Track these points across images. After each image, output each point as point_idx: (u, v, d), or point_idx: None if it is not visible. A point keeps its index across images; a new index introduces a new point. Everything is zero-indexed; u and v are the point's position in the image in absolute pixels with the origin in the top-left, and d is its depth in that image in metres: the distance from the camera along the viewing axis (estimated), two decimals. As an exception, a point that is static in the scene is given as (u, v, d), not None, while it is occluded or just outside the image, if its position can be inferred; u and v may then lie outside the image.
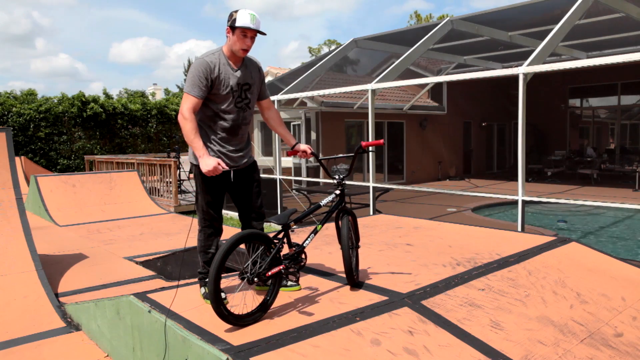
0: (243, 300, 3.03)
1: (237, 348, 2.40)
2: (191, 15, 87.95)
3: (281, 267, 2.82)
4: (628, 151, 16.03)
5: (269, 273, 2.75)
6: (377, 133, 14.52)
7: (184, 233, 7.70)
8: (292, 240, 3.05)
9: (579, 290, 3.55)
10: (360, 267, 3.78)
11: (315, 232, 3.12)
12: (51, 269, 5.49)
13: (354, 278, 3.24)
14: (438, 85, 16.17)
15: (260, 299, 2.92)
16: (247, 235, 2.75)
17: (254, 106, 3.31)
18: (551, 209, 10.58)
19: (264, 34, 3.10)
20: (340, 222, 3.23)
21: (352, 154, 3.34)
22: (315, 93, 9.63)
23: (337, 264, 3.90)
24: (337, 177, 3.27)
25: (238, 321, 2.67)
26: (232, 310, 2.66)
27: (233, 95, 3.10)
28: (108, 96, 19.54)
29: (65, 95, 18.07)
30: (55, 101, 17.90)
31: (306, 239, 3.08)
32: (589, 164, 14.58)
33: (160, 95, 31.76)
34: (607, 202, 5.83)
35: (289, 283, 3.27)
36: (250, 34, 3.02)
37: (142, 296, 3.21)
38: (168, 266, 6.04)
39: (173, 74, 78.78)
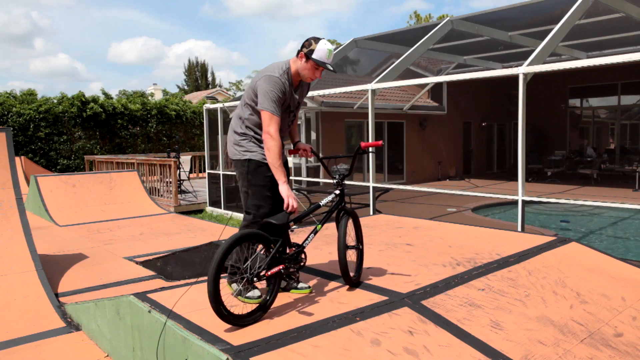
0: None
1: (237, 348, 2.40)
2: (190, 15, 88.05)
3: (280, 267, 2.82)
4: (628, 151, 16.03)
5: (268, 273, 2.75)
6: (377, 133, 14.53)
7: (184, 233, 7.70)
8: (292, 241, 3.05)
9: (579, 290, 3.55)
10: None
11: (315, 232, 3.12)
12: (51, 269, 5.49)
13: (350, 279, 3.24)
14: (438, 85, 16.17)
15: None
16: (246, 235, 2.75)
17: None
18: (551, 209, 10.58)
19: (334, 71, 3.16)
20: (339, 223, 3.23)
21: (352, 154, 3.34)
22: (315, 93, 9.63)
23: (337, 264, 3.90)
24: (336, 176, 3.28)
25: (238, 321, 2.67)
26: (231, 310, 2.66)
27: (289, 115, 3.18)
28: (107, 96, 19.52)
29: (65, 95, 18.06)
30: (55, 101, 17.89)
31: (306, 239, 3.08)
32: (589, 164, 14.57)
33: (159, 96, 31.75)
34: (607, 202, 5.83)
35: (300, 285, 3.26)
36: (322, 68, 3.06)
37: (142, 296, 3.21)
38: (168, 266, 6.04)
39: (172, 74, 78.97)
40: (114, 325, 3.41)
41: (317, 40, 3.03)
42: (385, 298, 3.07)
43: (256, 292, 3.05)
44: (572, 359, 2.71)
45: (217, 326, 2.66)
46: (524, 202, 6.07)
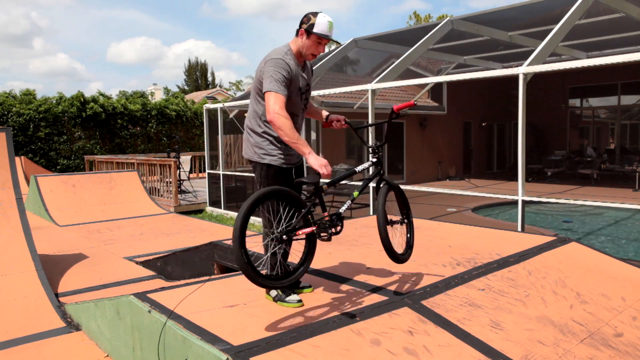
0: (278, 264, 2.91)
1: (237, 348, 2.40)
2: (189, 15, 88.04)
3: (313, 228, 2.76)
4: (628, 151, 16.01)
5: (300, 232, 2.68)
6: (377, 133, 14.51)
7: (184, 233, 7.71)
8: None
9: (579, 290, 3.55)
10: (360, 267, 3.78)
11: (352, 199, 3.02)
12: (51, 269, 5.49)
13: (397, 255, 3.09)
14: (438, 85, 16.16)
15: (294, 265, 2.92)
16: (276, 191, 2.66)
17: None
18: (551, 209, 10.58)
19: (338, 43, 3.06)
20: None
21: (386, 121, 3.25)
22: (315, 93, 9.62)
23: (336, 264, 3.90)
24: (372, 144, 3.17)
25: (266, 281, 2.60)
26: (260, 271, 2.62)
27: (301, 98, 3.07)
28: (105, 97, 19.51)
29: (63, 95, 18.06)
30: (54, 101, 17.89)
31: (343, 206, 3.00)
32: (589, 164, 14.56)
33: (159, 96, 31.72)
34: (607, 202, 5.84)
35: (300, 285, 3.23)
36: (325, 41, 2.96)
37: (142, 296, 3.21)
38: (168, 266, 6.04)
39: (172, 74, 79.02)
40: (114, 325, 3.41)
41: (315, 14, 2.92)
42: (385, 298, 3.07)
43: (295, 297, 3.01)
44: (572, 359, 2.71)
45: (217, 326, 2.66)
46: (524, 202, 6.07)
